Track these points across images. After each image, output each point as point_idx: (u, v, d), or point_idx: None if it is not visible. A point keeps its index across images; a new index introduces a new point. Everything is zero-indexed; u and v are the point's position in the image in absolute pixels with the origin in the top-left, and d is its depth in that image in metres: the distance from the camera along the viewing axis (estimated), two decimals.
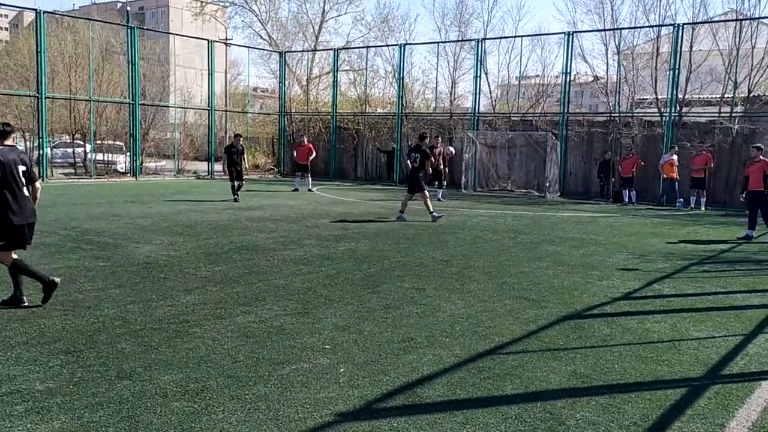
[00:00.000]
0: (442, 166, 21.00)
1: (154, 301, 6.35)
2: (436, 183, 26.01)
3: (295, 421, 3.75)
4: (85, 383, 4.19)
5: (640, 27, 23.79)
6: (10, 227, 5.81)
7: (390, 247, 10.22)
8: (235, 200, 16.80)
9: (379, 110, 31.35)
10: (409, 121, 28.03)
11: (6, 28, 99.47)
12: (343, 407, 3.96)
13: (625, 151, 22.08)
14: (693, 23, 22.36)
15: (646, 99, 23.91)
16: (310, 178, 22.12)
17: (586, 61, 25.31)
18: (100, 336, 5.18)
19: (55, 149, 26.14)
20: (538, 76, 27.27)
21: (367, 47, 31.70)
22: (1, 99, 25.14)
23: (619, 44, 23.88)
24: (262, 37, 39.49)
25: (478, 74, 26.14)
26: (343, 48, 34.11)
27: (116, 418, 3.70)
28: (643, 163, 21.29)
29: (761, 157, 12.52)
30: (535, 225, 13.97)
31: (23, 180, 5.93)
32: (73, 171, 25.84)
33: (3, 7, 26.95)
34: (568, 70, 24.15)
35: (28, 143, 25.36)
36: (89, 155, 25.54)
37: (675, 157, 20.01)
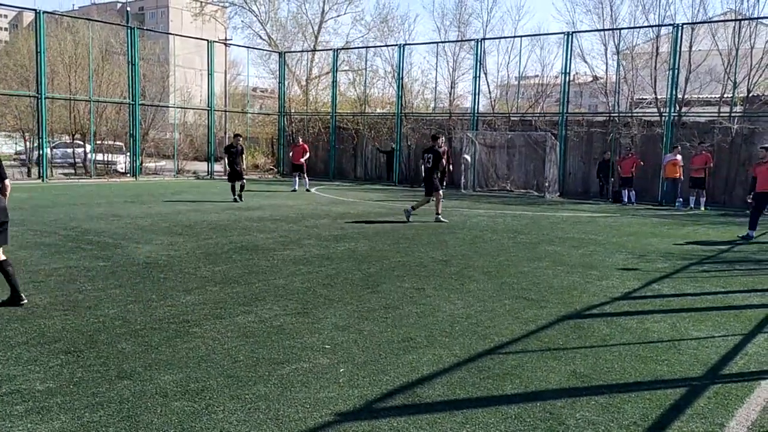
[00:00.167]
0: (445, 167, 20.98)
1: (154, 301, 6.35)
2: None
3: (295, 420, 3.75)
4: (85, 383, 4.19)
5: (640, 27, 23.80)
6: None
7: (389, 247, 10.22)
8: (235, 200, 16.77)
9: (378, 110, 31.37)
10: (408, 121, 28.04)
11: (6, 29, 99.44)
12: (343, 407, 3.97)
13: (625, 151, 22.09)
14: (692, 23, 22.37)
15: (646, 99, 23.92)
16: (306, 179, 22.09)
17: (586, 61, 25.34)
18: (100, 336, 5.18)
19: (54, 149, 26.14)
20: (537, 76, 27.28)
21: (367, 47, 31.72)
22: (0, 99, 25.15)
23: (619, 44, 23.89)
24: (261, 38, 39.52)
25: (478, 74, 26.15)
26: (343, 48, 34.12)
27: (116, 417, 3.70)
28: (642, 163, 21.31)
29: None
30: (535, 225, 13.97)
31: None
32: (73, 171, 25.85)
33: (2, 7, 26.94)
34: (568, 70, 24.17)
35: (27, 143, 25.41)
36: (89, 155, 25.54)
37: (679, 157, 20.00)
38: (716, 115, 21.65)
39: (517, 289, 7.45)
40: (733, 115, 21.20)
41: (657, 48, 22.94)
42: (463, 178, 24.39)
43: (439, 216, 13.87)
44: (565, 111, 24.30)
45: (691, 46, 21.96)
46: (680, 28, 21.75)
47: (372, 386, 4.31)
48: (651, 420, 3.93)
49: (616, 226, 14.42)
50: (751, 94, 21.46)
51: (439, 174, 14.01)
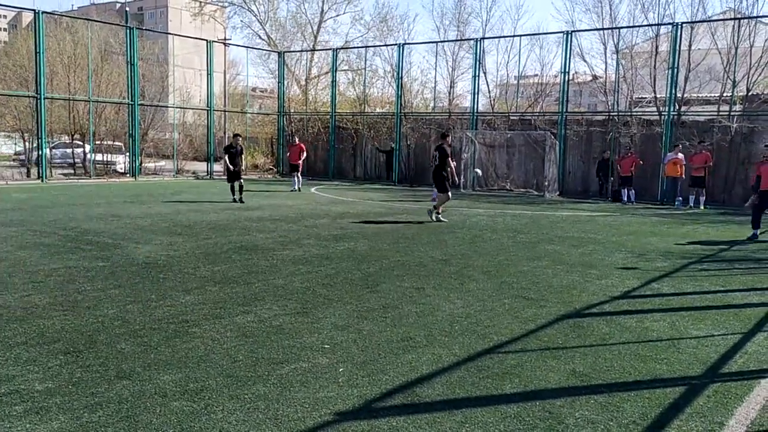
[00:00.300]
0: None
1: (153, 301, 6.35)
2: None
3: (294, 420, 3.75)
4: (84, 383, 4.19)
5: (639, 26, 23.80)
6: None
7: (389, 246, 10.22)
8: (234, 201, 16.66)
9: (378, 110, 31.35)
10: (408, 121, 28.04)
11: (5, 29, 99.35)
12: (342, 406, 3.96)
13: (624, 150, 22.10)
14: (691, 22, 22.37)
15: (645, 98, 23.92)
16: (299, 178, 21.99)
17: (585, 61, 25.33)
18: (99, 336, 5.18)
19: (54, 150, 26.13)
20: (536, 75, 27.28)
21: (366, 47, 31.71)
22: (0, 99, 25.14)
23: (618, 43, 23.89)
24: (260, 37, 39.51)
25: (477, 74, 26.15)
26: (342, 48, 34.10)
27: (115, 418, 3.70)
28: (641, 162, 21.31)
29: None
30: (534, 224, 13.97)
31: None
32: (72, 171, 25.85)
33: (2, 7, 26.94)
34: (567, 70, 24.17)
35: (27, 144, 25.40)
36: (88, 156, 25.54)
37: (680, 155, 19.97)
38: (716, 114, 21.66)
39: (517, 288, 7.45)
40: (732, 113, 21.20)
41: (656, 47, 22.94)
42: (462, 177, 24.39)
43: (439, 214, 13.84)
44: (564, 110, 24.30)
45: (690, 45, 21.96)
46: (679, 27, 21.75)
47: (371, 386, 4.31)
48: (650, 419, 3.93)
49: (616, 225, 14.42)
50: (750, 93, 21.46)
51: (447, 172, 13.89)
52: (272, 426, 3.67)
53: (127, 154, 26.47)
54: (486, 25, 29.71)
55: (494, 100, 27.83)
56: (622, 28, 24.02)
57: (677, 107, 21.98)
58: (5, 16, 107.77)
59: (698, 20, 22.60)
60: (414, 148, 28.15)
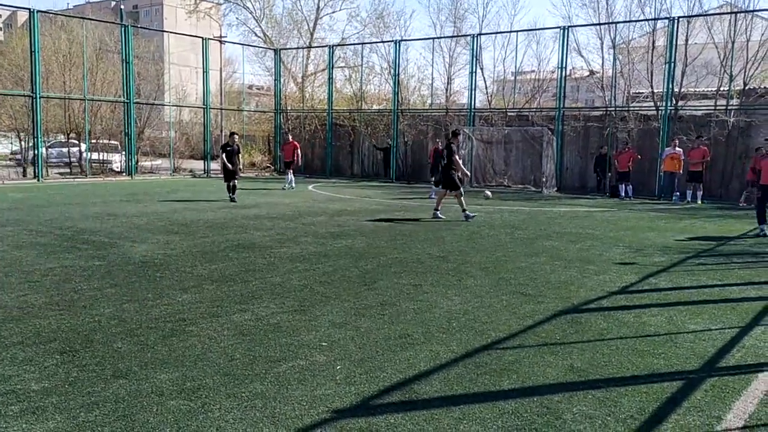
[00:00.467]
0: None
1: (150, 300, 6.33)
2: (433, 179, 25.99)
3: (291, 418, 3.74)
4: (80, 383, 4.18)
5: (636, 21, 23.80)
6: None
7: (386, 243, 10.21)
8: (232, 200, 16.53)
9: (375, 107, 31.31)
10: (405, 118, 28.01)
11: (0, 28, 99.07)
12: (340, 404, 3.95)
13: (622, 146, 22.09)
14: (688, 16, 22.36)
15: (642, 93, 23.91)
16: (291, 176, 21.85)
17: (582, 56, 25.32)
18: (95, 335, 5.16)
19: (50, 149, 26.06)
20: (533, 71, 27.27)
21: (363, 44, 31.68)
22: None
23: (615, 38, 23.89)
24: (256, 35, 39.41)
25: (474, 70, 26.12)
26: (339, 45, 34.03)
27: (112, 417, 3.69)
28: (639, 156, 21.30)
29: None
30: (532, 220, 13.97)
31: None
32: (68, 170, 25.78)
33: None
34: (564, 65, 24.16)
35: (23, 143, 25.32)
36: (84, 154, 25.48)
37: (679, 150, 19.96)
38: (713, 108, 21.67)
39: (515, 284, 7.44)
40: (729, 108, 21.21)
41: (653, 42, 22.93)
42: (460, 174, 24.35)
43: (438, 211, 13.83)
44: (561, 106, 24.30)
45: (687, 40, 21.95)
46: (676, 21, 21.75)
47: (369, 383, 4.30)
48: (648, 413, 3.92)
49: (614, 220, 14.42)
50: (747, 87, 21.47)
51: (456, 171, 13.75)
52: (269, 424, 3.66)
53: (123, 152, 26.40)
54: (482, 21, 29.65)
55: (491, 96, 27.82)
56: (618, 23, 24.02)
57: (674, 102, 21.99)
58: (0, 16, 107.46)
59: (695, 14, 22.61)
60: (411, 145, 28.13)
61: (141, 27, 41.79)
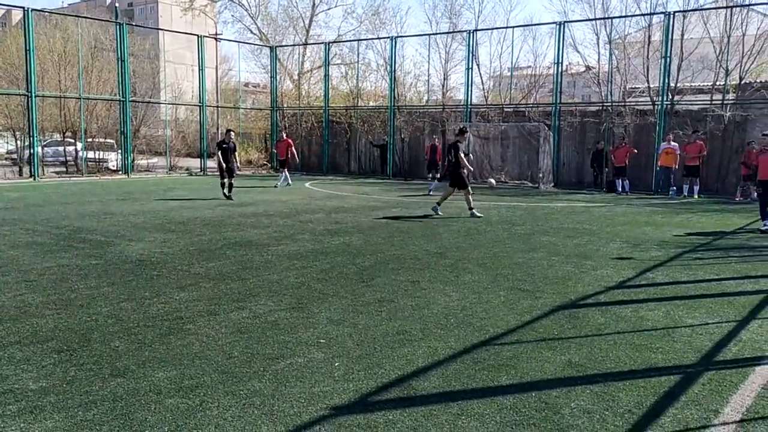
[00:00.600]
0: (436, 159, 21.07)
1: (147, 298, 6.32)
2: (430, 176, 26.01)
3: (290, 415, 3.74)
4: (78, 382, 4.17)
5: (631, 16, 23.80)
6: None
7: (384, 240, 10.21)
8: (229, 198, 16.40)
9: (371, 103, 31.28)
10: (401, 114, 27.99)
11: None
12: (338, 401, 3.95)
13: (618, 141, 22.11)
14: (684, 11, 22.37)
15: (639, 88, 23.93)
16: (285, 175, 21.76)
17: (578, 51, 25.36)
18: (93, 334, 5.15)
19: (46, 148, 25.99)
20: (530, 66, 27.28)
21: (359, 40, 31.63)
22: None
23: (611, 33, 23.88)
24: (252, 32, 39.34)
25: (470, 66, 26.10)
26: (334, 41, 33.99)
27: (110, 416, 3.68)
28: (635, 151, 21.31)
29: None
30: (529, 216, 13.98)
31: None
32: (64, 169, 25.72)
33: None
34: (560, 61, 24.14)
35: (18, 142, 25.25)
36: (80, 153, 25.41)
37: (674, 144, 19.99)
38: (709, 102, 21.69)
39: (512, 280, 7.45)
40: (725, 102, 21.23)
41: (649, 37, 22.94)
42: (465, 170, 24.35)
43: (438, 207, 13.76)
44: (558, 101, 24.30)
45: (683, 35, 21.96)
46: (672, 16, 21.75)
47: (367, 380, 4.30)
48: (646, 407, 3.93)
49: (610, 215, 14.44)
50: (743, 82, 21.50)
51: (463, 168, 13.66)
52: (268, 422, 3.66)
53: (120, 151, 26.35)
54: (479, 17, 29.87)
55: (488, 92, 27.82)
56: (614, 18, 24.02)
57: (670, 97, 22.00)
58: None
59: (690, 9, 22.61)
60: (408, 141, 28.11)
61: (136, 25, 41.62)
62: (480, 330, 5.45)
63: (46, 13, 31.48)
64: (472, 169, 14.00)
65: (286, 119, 31.75)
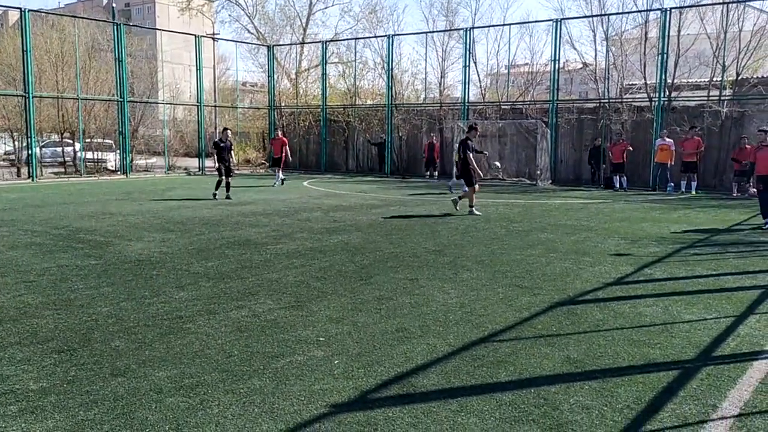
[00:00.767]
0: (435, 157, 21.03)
1: (147, 298, 6.33)
2: (428, 173, 26.01)
3: (290, 413, 3.76)
4: (79, 381, 4.18)
5: (628, 12, 23.82)
6: None
7: (382, 238, 10.22)
8: (227, 197, 16.34)
9: (368, 102, 31.27)
10: (399, 112, 27.99)
11: None
12: (338, 398, 3.97)
13: (616, 137, 22.13)
14: (680, 7, 22.38)
15: (636, 84, 23.95)
16: (280, 174, 21.73)
17: (575, 48, 25.46)
18: (93, 334, 5.17)
19: (44, 149, 25.96)
20: (527, 64, 27.26)
21: (356, 39, 31.58)
22: None
23: (608, 30, 23.88)
24: (249, 31, 39.33)
25: (467, 63, 26.10)
26: (332, 40, 33.96)
27: (111, 415, 3.70)
28: (631, 148, 21.29)
29: None
30: (527, 213, 14.00)
31: None
32: (63, 170, 25.69)
33: None
34: (557, 58, 24.16)
35: (16, 143, 25.22)
36: (79, 154, 25.39)
37: (668, 140, 20.02)
38: (706, 99, 21.71)
39: (511, 277, 7.47)
40: (722, 98, 21.25)
41: (646, 33, 22.95)
42: (455, 168, 24.35)
43: (474, 209, 13.50)
44: (555, 98, 24.31)
45: (679, 31, 21.97)
46: (668, 12, 21.77)
47: (367, 377, 4.32)
48: (644, 403, 3.95)
49: (608, 212, 14.46)
50: (740, 77, 21.51)
51: (470, 166, 13.45)
52: (268, 419, 3.67)
53: (118, 151, 26.32)
54: (475, 15, 29.78)
55: (485, 89, 27.81)
56: (611, 14, 24.03)
57: (667, 93, 22.02)
58: None
59: (687, 5, 22.61)
60: (406, 139, 28.11)
61: (133, 25, 41.58)
62: (479, 327, 5.47)
63: (43, 14, 31.46)
64: (482, 174, 13.81)
65: (283, 118, 31.74)
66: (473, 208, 13.48)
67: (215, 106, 32.13)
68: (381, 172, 28.29)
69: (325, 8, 42.69)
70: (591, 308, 6.14)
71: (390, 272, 7.64)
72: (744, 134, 19.40)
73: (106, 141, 27.39)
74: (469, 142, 13.67)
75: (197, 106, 28.86)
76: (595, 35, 24.27)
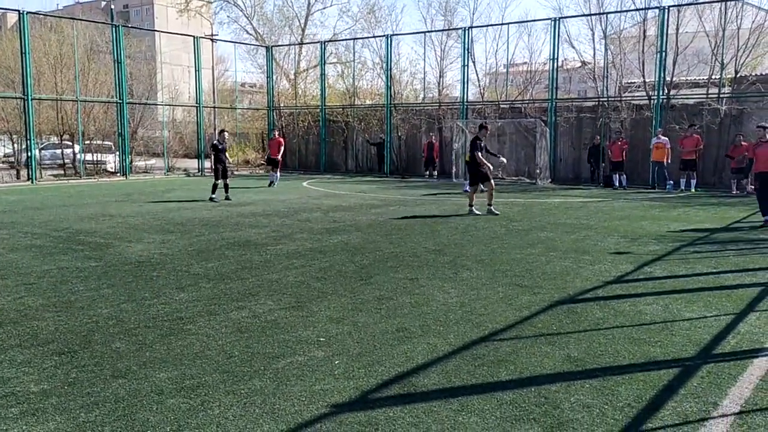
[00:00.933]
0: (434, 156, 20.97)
1: (147, 299, 6.33)
2: (427, 173, 26.00)
3: (291, 414, 3.76)
4: (79, 383, 4.18)
5: (626, 11, 23.83)
6: None
7: (382, 238, 10.22)
8: (227, 198, 16.29)
9: (367, 102, 31.27)
10: (398, 112, 27.99)
11: None
12: (339, 399, 3.97)
13: (615, 136, 22.13)
14: (679, 5, 22.40)
15: (634, 83, 23.95)
16: (276, 174, 21.70)
17: (574, 47, 25.35)
18: (94, 336, 5.17)
19: (43, 151, 25.97)
20: (525, 63, 27.29)
21: (354, 39, 31.59)
22: None
23: (606, 28, 23.89)
24: (248, 32, 39.34)
25: (466, 63, 26.10)
26: (330, 40, 33.95)
27: (112, 417, 3.70)
28: (627, 147, 21.28)
29: None
30: (527, 212, 14.00)
31: None
32: (62, 172, 25.68)
33: None
34: (556, 56, 24.16)
35: (15, 145, 25.21)
36: (78, 156, 25.39)
37: (664, 139, 20.05)
38: (704, 96, 21.72)
39: (511, 276, 7.47)
40: (721, 96, 21.26)
41: (644, 31, 22.96)
42: (454, 167, 24.39)
43: (492, 207, 13.36)
44: (554, 97, 24.31)
45: (678, 29, 21.98)
46: (667, 10, 21.77)
47: (367, 377, 4.32)
48: (645, 401, 3.95)
49: (608, 210, 14.47)
50: (738, 75, 21.52)
51: (480, 166, 13.31)
52: (269, 420, 3.67)
53: (117, 153, 26.33)
54: (473, 14, 29.73)
55: (484, 88, 27.81)
56: (609, 13, 24.03)
57: (666, 91, 22.03)
58: None
59: (685, 3, 22.63)
60: (405, 139, 28.11)
61: (132, 27, 41.59)
62: (479, 326, 5.47)
63: (41, 16, 31.46)
64: (491, 167, 13.74)
65: (283, 119, 31.74)
66: (473, 207, 13.47)
67: (214, 107, 32.12)
68: (380, 172, 28.30)
69: (324, 8, 42.81)
70: (591, 307, 6.14)
71: (390, 272, 7.64)
72: (741, 131, 19.41)
73: (106, 143, 27.40)
74: (478, 141, 13.47)
75: (196, 107, 28.86)
76: (593, 34, 24.30)
